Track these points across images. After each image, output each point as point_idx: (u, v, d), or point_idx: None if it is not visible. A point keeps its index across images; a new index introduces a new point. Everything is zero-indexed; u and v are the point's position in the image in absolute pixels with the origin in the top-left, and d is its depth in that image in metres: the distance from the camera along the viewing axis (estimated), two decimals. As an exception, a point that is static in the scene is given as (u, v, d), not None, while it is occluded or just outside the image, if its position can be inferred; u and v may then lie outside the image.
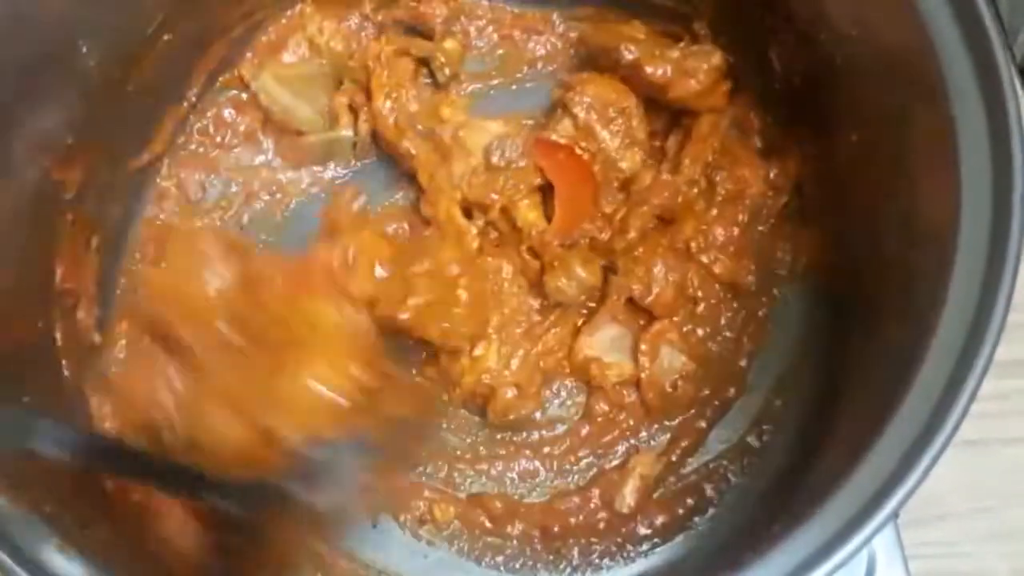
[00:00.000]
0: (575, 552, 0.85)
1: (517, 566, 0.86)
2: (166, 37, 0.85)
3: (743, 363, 0.89)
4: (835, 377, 0.80)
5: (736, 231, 0.88)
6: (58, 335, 0.81)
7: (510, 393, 0.86)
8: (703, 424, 0.88)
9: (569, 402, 0.90)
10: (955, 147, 0.63)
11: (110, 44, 0.80)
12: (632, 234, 0.87)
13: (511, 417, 0.87)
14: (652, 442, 0.88)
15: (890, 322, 0.72)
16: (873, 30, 0.73)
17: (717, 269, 0.88)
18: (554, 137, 0.88)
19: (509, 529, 0.86)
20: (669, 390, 0.88)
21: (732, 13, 0.88)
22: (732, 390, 0.89)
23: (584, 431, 0.89)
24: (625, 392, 0.89)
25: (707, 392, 0.89)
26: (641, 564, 0.85)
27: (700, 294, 0.89)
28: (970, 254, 0.62)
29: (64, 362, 0.81)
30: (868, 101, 0.76)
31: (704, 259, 0.88)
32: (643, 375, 0.87)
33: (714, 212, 0.89)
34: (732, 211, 0.89)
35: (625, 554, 0.85)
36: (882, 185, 0.75)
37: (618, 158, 0.89)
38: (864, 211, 0.80)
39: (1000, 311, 0.60)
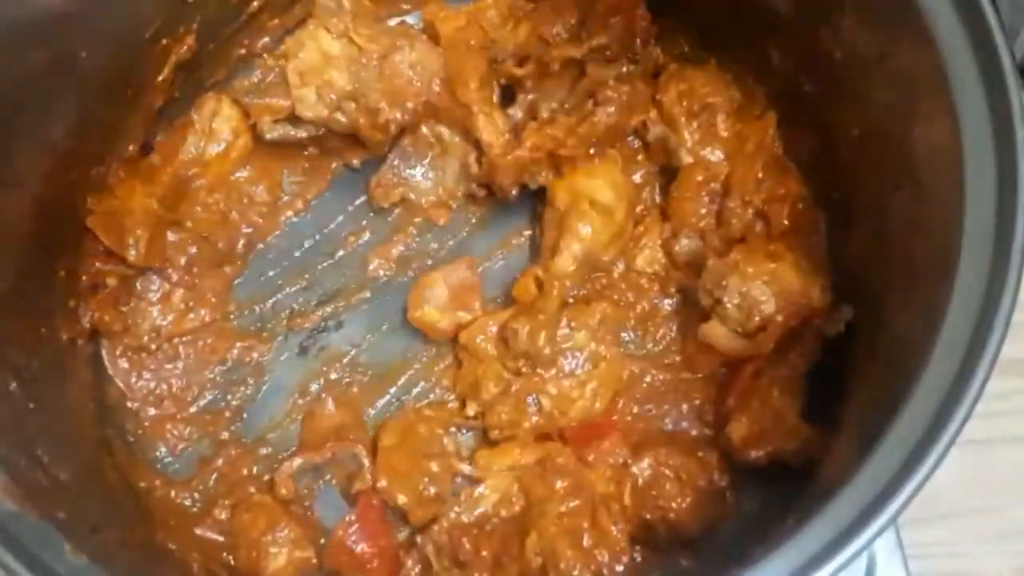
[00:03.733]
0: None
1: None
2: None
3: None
4: (841, 370, 0.80)
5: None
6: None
7: None
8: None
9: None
10: (958, 140, 0.63)
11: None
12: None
13: None
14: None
15: (896, 317, 0.72)
16: (873, 24, 0.73)
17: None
18: None
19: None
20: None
21: (731, 9, 0.88)
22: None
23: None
24: None
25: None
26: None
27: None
28: (975, 249, 0.62)
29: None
30: (869, 95, 0.76)
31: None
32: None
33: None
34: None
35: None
36: (886, 178, 0.75)
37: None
38: (868, 205, 0.80)
39: (1006, 308, 0.60)
